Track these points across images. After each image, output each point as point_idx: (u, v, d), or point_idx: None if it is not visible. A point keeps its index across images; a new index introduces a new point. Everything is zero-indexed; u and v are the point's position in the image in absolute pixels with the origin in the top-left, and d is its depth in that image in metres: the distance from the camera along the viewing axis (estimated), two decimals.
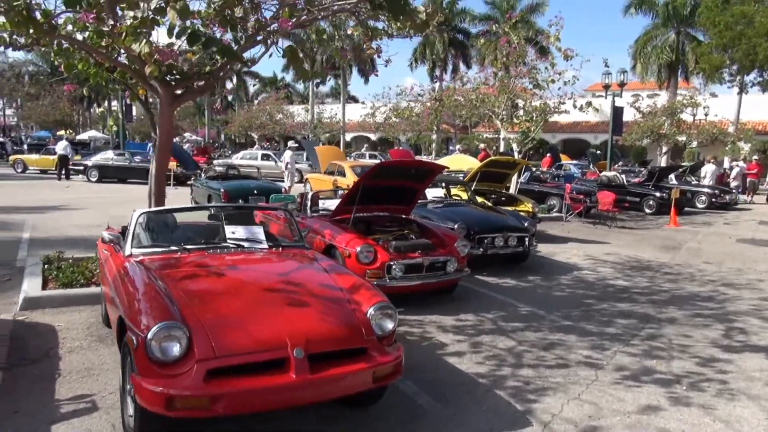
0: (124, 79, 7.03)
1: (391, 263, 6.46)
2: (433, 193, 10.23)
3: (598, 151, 30.87)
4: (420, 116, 22.85)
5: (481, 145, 22.03)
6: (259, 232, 4.81)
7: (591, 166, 27.72)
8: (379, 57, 6.27)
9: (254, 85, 66.76)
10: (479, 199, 11.60)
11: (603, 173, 21.01)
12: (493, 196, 12.66)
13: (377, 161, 23.67)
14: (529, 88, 15.91)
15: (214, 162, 27.87)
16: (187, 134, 60.61)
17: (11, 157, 28.16)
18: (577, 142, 43.70)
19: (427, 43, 45.58)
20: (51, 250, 7.83)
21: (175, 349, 3.14)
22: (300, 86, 64.27)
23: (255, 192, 12.93)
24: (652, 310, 7.17)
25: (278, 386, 3.16)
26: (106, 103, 66.36)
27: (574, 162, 28.05)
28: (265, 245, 4.74)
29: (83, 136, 52.96)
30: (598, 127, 39.74)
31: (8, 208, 14.58)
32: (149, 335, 3.13)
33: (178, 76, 6.45)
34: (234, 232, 4.71)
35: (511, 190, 15.94)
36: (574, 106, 15.44)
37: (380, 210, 7.84)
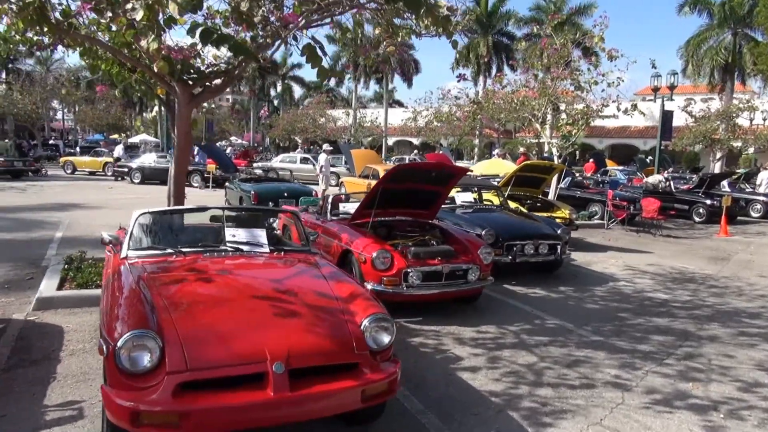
0: (144, 79, 6.97)
1: (408, 270, 6.16)
2: (462, 197, 9.86)
3: (649, 158, 29.71)
4: (459, 120, 22.40)
5: (521, 149, 21.43)
6: (261, 235, 4.59)
7: (638, 172, 26.71)
8: (394, 56, 5.97)
9: (303, 90, 67.48)
10: (513, 205, 11.16)
11: (646, 179, 20.12)
12: (528, 201, 12.19)
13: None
14: (570, 90, 15.32)
15: (254, 165, 28.14)
16: (233, 138, 61.76)
17: (61, 159, 29.12)
18: (626, 147, 42.32)
19: (470, 46, 45.05)
20: (78, 249, 7.89)
21: (145, 360, 2.93)
22: (344, 90, 64.67)
23: (285, 194, 12.83)
24: (692, 326, 6.64)
25: (254, 403, 2.91)
26: (157, 107, 68.54)
27: (621, 168, 27.06)
28: (266, 249, 4.52)
29: (135, 139, 54.60)
30: (647, 132, 38.40)
31: (50, 206, 14.97)
32: (119, 343, 2.93)
33: (194, 75, 6.34)
34: (234, 235, 4.51)
35: (550, 196, 15.41)
36: (618, 109, 14.78)
37: (402, 214, 7.55)
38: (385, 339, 3.51)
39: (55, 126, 65.50)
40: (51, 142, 42.80)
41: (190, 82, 6.49)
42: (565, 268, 9.37)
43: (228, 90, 69.66)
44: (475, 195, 10.77)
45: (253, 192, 12.77)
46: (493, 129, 41.22)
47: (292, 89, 63.60)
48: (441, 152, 31.07)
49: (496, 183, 12.49)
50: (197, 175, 22.13)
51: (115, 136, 59.14)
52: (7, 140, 25.63)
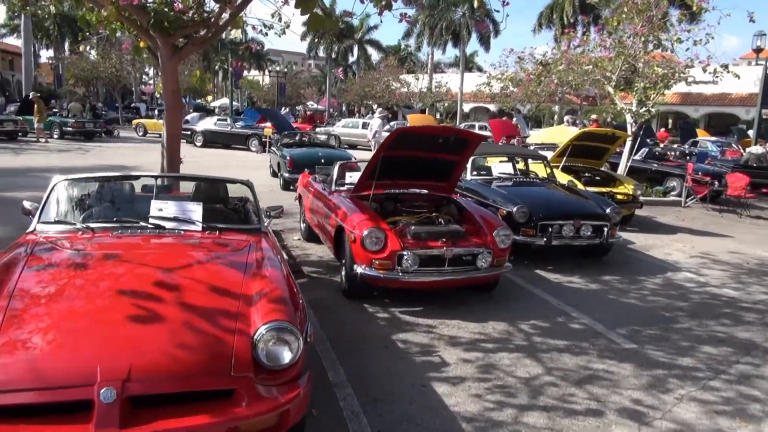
0: (129, 30, 6.34)
1: (403, 253, 5.25)
2: (500, 169, 8.73)
3: (750, 130, 26.55)
4: (523, 83, 20.71)
5: (592, 117, 19.54)
6: (194, 210, 3.84)
7: (734, 144, 23.95)
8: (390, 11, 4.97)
9: (380, 55, 66.19)
10: (566, 178, 9.88)
11: (748, 150, 17.72)
12: (586, 174, 10.81)
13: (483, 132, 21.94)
14: (648, 51, 13.50)
15: (317, 130, 27.68)
16: (309, 103, 61.90)
17: (134, 122, 29.90)
18: (725, 116, 38.45)
19: (554, 5, 42.20)
20: None
21: None
22: (422, 55, 62.81)
23: (322, 160, 12.09)
24: (761, 335, 5.34)
25: None
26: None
27: (713, 139, 24.36)
28: (197, 227, 3.77)
29: (216, 103, 55.85)
30: (750, 100, 34.54)
31: (100, 167, 15.05)
32: None
33: (169, 24, 5.63)
34: (161, 209, 3.78)
35: (620, 169, 13.82)
36: (705, 71, 12.85)
37: (416, 186, 6.59)
38: (285, 356, 2.67)
39: (146, 90, 68.21)
40: (133, 105, 44.24)
41: (171, 33, 5.79)
42: (617, 252, 8.10)
43: (308, 54, 68.84)
44: (522, 166, 9.60)
45: (288, 157, 12.14)
46: (577, 95, 38.58)
47: (368, 53, 62.39)
48: (513, 119, 29.31)
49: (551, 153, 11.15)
50: (255, 139, 21.88)
51: (200, 100, 60.81)
52: (75, 102, 26.43)
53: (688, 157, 17.37)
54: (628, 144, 13.78)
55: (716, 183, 13.18)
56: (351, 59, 64.70)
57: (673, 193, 14.14)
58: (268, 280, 3.11)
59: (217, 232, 3.77)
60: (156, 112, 37.82)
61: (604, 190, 9.93)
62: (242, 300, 2.87)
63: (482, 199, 7.80)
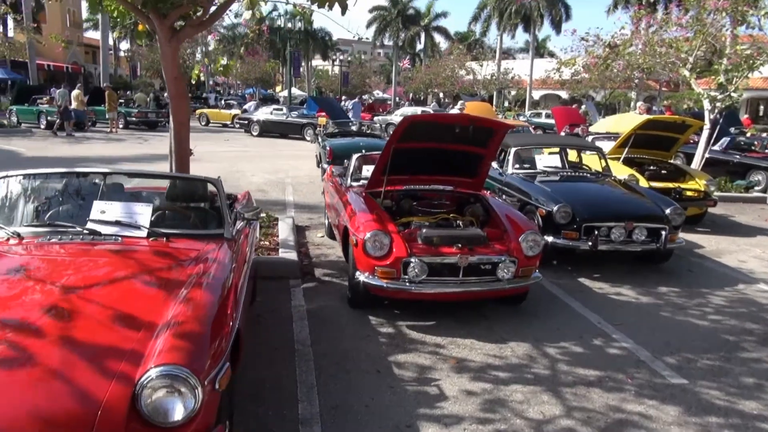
0: (127, 13, 5.94)
1: (410, 260, 4.56)
2: (546, 161, 7.81)
3: None
4: (589, 67, 19.20)
5: (664, 103, 17.88)
6: (142, 213, 3.32)
7: None
8: None
9: (448, 42, 64.74)
10: (626, 171, 8.83)
11: None
12: (651, 167, 9.66)
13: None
14: (729, 31, 12.04)
15: (375, 119, 27.16)
16: (376, 92, 61.52)
17: (197, 111, 30.35)
18: None
19: None
20: None
21: None
22: (492, 41, 60.86)
23: (363, 151, 11.46)
24: None
25: None
26: (305, 63, 70.27)
27: None
28: (141, 233, 3.25)
29: (284, 93, 56.44)
30: None
31: (149, 156, 15.14)
32: None
33: (163, 4, 5.15)
34: (104, 211, 3.28)
35: (695, 161, 12.45)
36: None
37: (439, 182, 5.87)
38: (176, 411, 2.07)
39: (220, 80, 69.98)
40: (204, 95, 45.25)
41: (166, 13, 5.32)
42: (679, 259, 7.07)
43: (374, 43, 68.37)
44: (574, 158, 8.63)
45: (328, 147, 11.61)
46: (655, 80, 36.08)
47: (435, 41, 61.14)
48: (582, 106, 27.63)
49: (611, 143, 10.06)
50: (310, 128, 21.57)
51: (270, 90, 61.72)
52: (141, 93, 27.04)
53: None
54: (705, 133, 12.38)
55: None
56: (419, 47, 63.72)
57: (757, 188, 12.63)
58: (191, 305, 2.53)
59: (165, 238, 3.23)
60: (223, 102, 38.50)
61: (670, 185, 8.80)
62: (144, 332, 2.31)
63: (523, 197, 6.97)
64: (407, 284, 4.60)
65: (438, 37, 61.70)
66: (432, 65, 48.07)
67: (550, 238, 6.30)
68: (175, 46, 5.59)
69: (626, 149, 9.50)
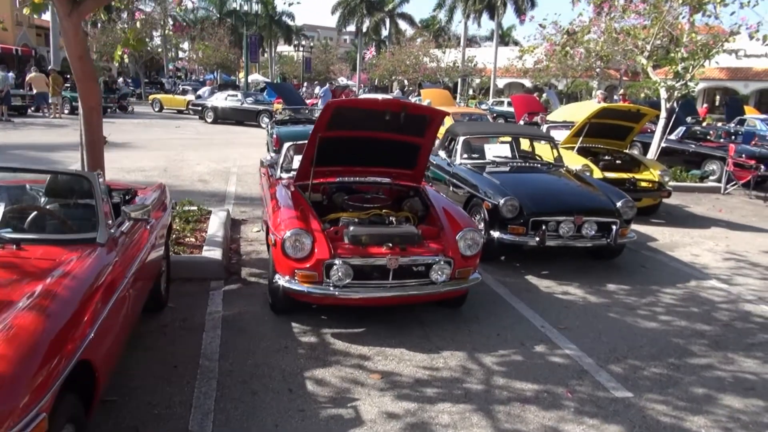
0: None
1: (334, 262, 4.09)
2: (495, 151, 7.42)
3: None
4: (547, 56, 18.89)
5: (620, 91, 17.77)
6: None
7: None
8: None
9: (413, 30, 64.06)
10: (580, 161, 8.53)
11: None
12: (605, 157, 9.39)
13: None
14: (685, 20, 11.86)
15: None
16: (340, 78, 60.67)
17: (150, 97, 29.25)
18: None
19: None
20: None
21: None
22: (458, 29, 60.45)
23: None
24: None
25: None
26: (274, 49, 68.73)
27: (763, 117, 22.19)
28: None
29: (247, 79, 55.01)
30: None
31: (64, 145, 14.25)
32: None
33: None
34: None
35: (651, 150, 12.28)
36: (752, 38, 11.14)
37: (375, 174, 5.40)
38: None
39: (182, 65, 67.88)
40: (161, 80, 43.84)
41: None
42: (632, 253, 6.79)
43: (343, 29, 67.35)
44: (527, 147, 8.28)
45: (275, 135, 11.04)
46: (617, 69, 36.25)
47: (399, 27, 60.41)
48: (544, 95, 27.51)
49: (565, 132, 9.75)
50: (265, 115, 20.84)
51: (233, 76, 60.09)
52: None
53: (732, 137, 15.56)
54: (662, 122, 12.21)
55: (762, 167, 11.52)
56: (384, 33, 62.96)
57: (712, 178, 12.54)
58: (6, 337, 1.99)
59: (15, 245, 2.69)
60: (180, 88, 37.23)
61: (625, 176, 8.55)
62: None
63: (470, 189, 6.56)
64: (331, 289, 4.13)
65: (403, 24, 61.05)
66: (396, 52, 47.47)
67: (496, 233, 5.92)
68: (75, 21, 4.96)
69: (580, 138, 9.19)
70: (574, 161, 8.61)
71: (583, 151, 9.34)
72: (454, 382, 3.72)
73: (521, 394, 3.62)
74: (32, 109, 21.73)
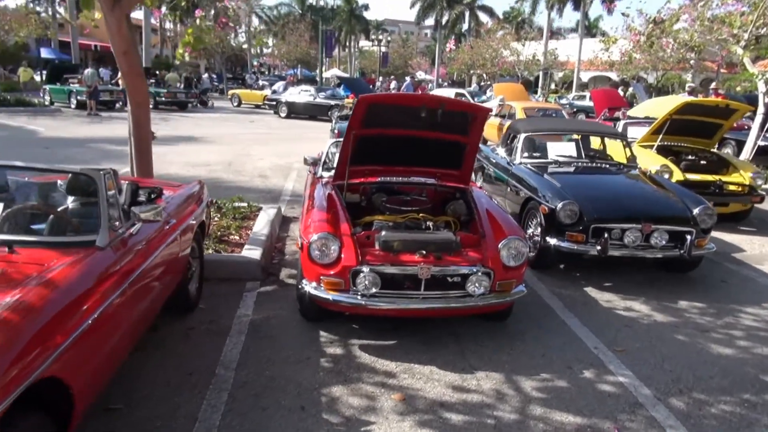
0: None
1: (361, 269, 3.81)
2: (558, 150, 6.87)
3: None
4: (631, 46, 17.59)
5: (712, 85, 16.30)
6: None
7: None
8: None
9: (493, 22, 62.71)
10: (659, 161, 7.81)
11: None
12: (690, 157, 8.57)
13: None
14: None
15: None
16: (419, 73, 60.32)
17: (229, 92, 30.10)
18: None
19: None
20: None
21: None
22: (539, 20, 58.55)
23: None
24: None
25: None
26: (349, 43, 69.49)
27: None
28: None
29: (327, 74, 55.86)
30: None
31: (158, 139, 14.68)
32: None
33: None
34: None
35: (745, 150, 11.16)
36: None
37: (420, 174, 5.06)
38: None
39: (265, 60, 70.11)
40: (245, 76, 45.17)
41: None
42: (712, 266, 6.08)
43: (422, 23, 66.92)
44: (599, 146, 7.66)
45: (336, 130, 10.90)
46: (712, 60, 33.72)
47: (480, 20, 59.22)
48: (630, 89, 25.96)
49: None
50: (336, 110, 20.85)
51: (314, 73, 61.26)
52: (173, 73, 26.79)
53: None
54: (759, 119, 11.06)
55: None
56: (465, 27, 62.01)
57: None
58: None
59: (8, 248, 2.58)
60: (260, 83, 38.15)
61: (710, 178, 7.73)
62: None
63: (529, 191, 6.09)
64: (358, 298, 3.85)
65: (484, 17, 59.79)
66: (475, 46, 46.48)
67: (553, 240, 5.43)
68: (118, 16, 4.95)
69: (660, 136, 8.42)
70: (652, 161, 7.90)
71: (663, 151, 8.57)
72: (485, 409, 3.34)
73: (561, 427, 3.20)
74: (119, 104, 22.87)
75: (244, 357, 3.80)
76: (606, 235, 5.20)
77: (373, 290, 3.80)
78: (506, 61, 38.22)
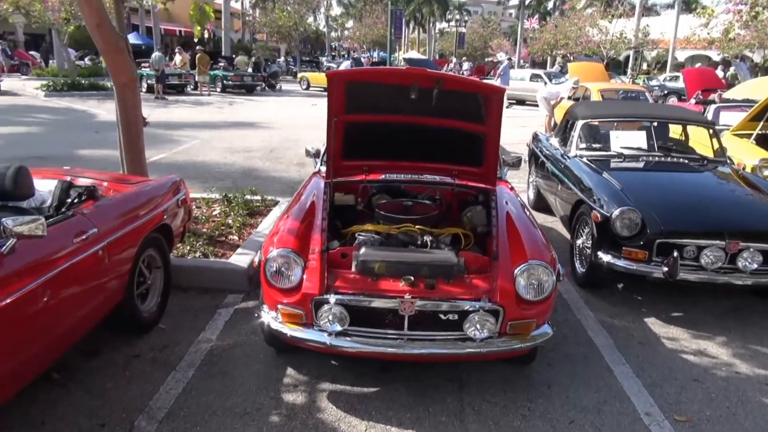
0: None
1: (325, 298, 2.92)
2: (624, 140, 5.62)
3: None
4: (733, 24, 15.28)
5: None
6: None
7: None
8: None
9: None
10: (758, 155, 6.39)
11: None
12: None
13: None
14: None
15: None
16: (500, 54, 58.02)
17: (298, 75, 29.75)
18: None
19: None
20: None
21: None
22: None
23: None
24: None
25: None
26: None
27: None
28: None
29: (406, 56, 54.87)
30: None
31: (218, 123, 14.37)
32: None
33: None
34: None
35: None
36: None
37: (433, 171, 4.06)
38: None
39: (343, 44, 70.39)
40: (322, 59, 44.95)
41: None
42: None
43: (506, 2, 65.33)
44: (678, 135, 6.35)
45: None
46: None
47: None
48: (731, 68, 23.25)
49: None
50: None
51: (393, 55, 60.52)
52: (242, 57, 26.62)
53: None
54: None
55: None
56: (550, 5, 59.00)
57: None
58: None
59: None
60: (332, 65, 37.71)
61: None
62: None
63: (581, 192, 4.94)
64: (324, 335, 2.97)
65: None
66: (560, 24, 43.79)
67: (606, 257, 4.30)
68: None
69: (761, 123, 6.92)
70: (749, 154, 6.50)
71: (765, 141, 7.07)
72: None
73: None
74: (190, 87, 22.97)
75: (180, 403, 3.03)
76: (675, 254, 4.00)
77: (338, 327, 2.90)
78: (591, 40, 35.71)
